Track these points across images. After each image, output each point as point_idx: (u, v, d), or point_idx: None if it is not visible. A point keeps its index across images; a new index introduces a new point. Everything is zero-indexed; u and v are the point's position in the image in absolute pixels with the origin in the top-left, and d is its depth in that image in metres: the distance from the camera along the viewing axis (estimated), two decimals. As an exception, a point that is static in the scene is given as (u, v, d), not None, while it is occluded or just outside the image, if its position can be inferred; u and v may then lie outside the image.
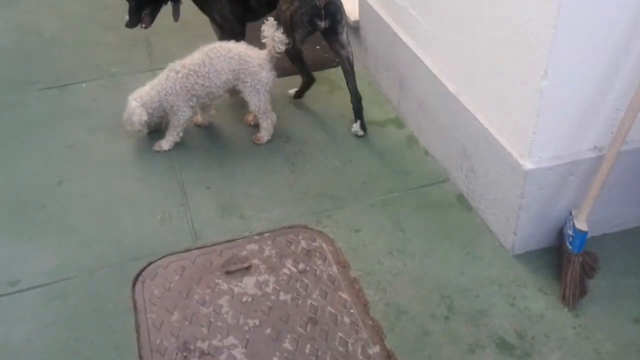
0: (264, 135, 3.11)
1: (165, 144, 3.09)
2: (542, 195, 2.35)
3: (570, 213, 2.35)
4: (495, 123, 2.45)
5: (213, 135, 3.20)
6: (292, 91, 3.46)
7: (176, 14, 3.33)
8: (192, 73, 2.95)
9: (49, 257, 2.54)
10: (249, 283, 2.41)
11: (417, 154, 3.05)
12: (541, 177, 2.30)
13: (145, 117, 2.99)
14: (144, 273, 2.46)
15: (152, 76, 3.19)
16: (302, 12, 2.92)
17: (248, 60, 2.96)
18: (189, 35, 3.98)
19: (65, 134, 3.21)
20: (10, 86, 3.60)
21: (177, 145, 3.11)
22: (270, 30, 2.91)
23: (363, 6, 3.46)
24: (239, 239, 2.60)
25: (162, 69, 3.07)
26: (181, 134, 3.10)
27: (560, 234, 2.42)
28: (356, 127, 3.17)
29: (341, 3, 2.99)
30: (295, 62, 3.28)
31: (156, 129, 3.18)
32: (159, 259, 2.51)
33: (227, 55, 2.96)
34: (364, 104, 3.21)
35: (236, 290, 2.38)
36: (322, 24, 2.94)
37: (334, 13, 2.95)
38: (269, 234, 2.62)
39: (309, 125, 3.25)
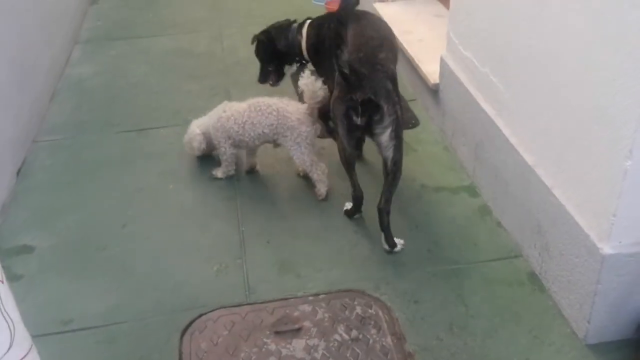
0: (321, 187, 3.06)
1: (219, 172, 3.22)
2: (620, 283, 2.15)
3: (653, 305, 2.14)
4: (573, 201, 2.29)
5: (279, 187, 3.17)
6: (346, 208, 2.99)
7: (294, 75, 3.32)
8: (232, 118, 3.06)
9: (105, 299, 2.54)
10: (297, 346, 2.31)
11: (489, 225, 2.90)
12: (621, 263, 2.12)
13: (204, 145, 3.22)
14: (193, 325, 2.41)
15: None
16: (339, 103, 2.66)
17: (287, 116, 2.96)
18: (266, 88, 4.01)
19: (136, 177, 3.27)
20: (91, 127, 3.72)
21: (243, 195, 3.11)
22: (307, 81, 2.89)
23: (444, 69, 3.39)
24: (292, 298, 2.52)
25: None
26: (231, 167, 3.20)
27: (639, 327, 2.21)
28: (383, 239, 2.76)
29: (386, 103, 2.59)
30: (346, 168, 2.87)
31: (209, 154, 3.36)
32: (210, 311, 2.46)
33: (266, 111, 2.99)
34: (439, 168, 3.14)
35: (284, 352, 2.29)
36: (358, 120, 2.62)
37: (372, 112, 2.60)
38: (324, 295, 2.53)
39: (377, 187, 3.15)
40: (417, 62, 3.72)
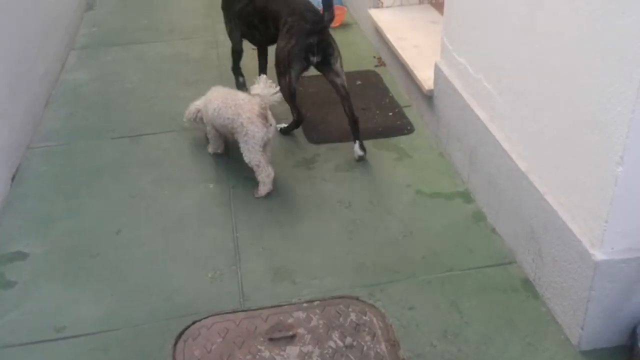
0: (261, 189, 3.15)
1: (210, 148, 3.49)
2: (613, 289, 2.16)
3: (646, 312, 2.15)
4: (566, 207, 2.29)
5: (274, 194, 3.17)
6: (281, 126, 3.61)
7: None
8: (210, 102, 3.27)
9: (98, 306, 2.53)
10: (292, 353, 2.31)
11: (483, 232, 2.90)
12: (613, 269, 2.12)
13: (199, 118, 3.43)
14: (187, 332, 2.41)
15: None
16: (298, 49, 3.26)
17: (240, 113, 3.07)
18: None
19: (130, 183, 3.26)
20: (86, 133, 3.71)
21: (237, 201, 3.12)
22: (261, 86, 3.10)
23: (438, 75, 3.40)
24: (286, 305, 2.52)
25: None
26: (217, 145, 3.44)
27: (633, 333, 2.21)
28: (356, 147, 3.40)
29: (332, 39, 3.37)
30: (288, 100, 3.43)
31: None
32: (204, 318, 2.46)
33: (229, 104, 3.14)
34: (434, 174, 3.17)
35: (278, 359, 2.28)
36: (315, 59, 3.31)
37: (326, 48, 3.32)
38: (318, 302, 2.53)
39: (372, 193, 3.17)
40: (411, 68, 3.73)
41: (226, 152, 3.49)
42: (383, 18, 4.38)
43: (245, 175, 3.31)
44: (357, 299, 2.54)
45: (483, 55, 2.89)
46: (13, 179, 3.30)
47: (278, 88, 3.13)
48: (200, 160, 3.46)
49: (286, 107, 3.51)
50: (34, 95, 3.84)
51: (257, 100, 3.07)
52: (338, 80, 3.39)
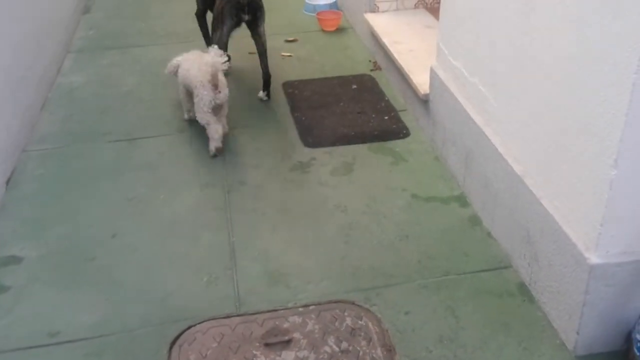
0: (211, 144, 3.49)
1: (185, 114, 3.82)
2: (609, 293, 2.15)
3: (641, 316, 2.15)
4: (561, 210, 2.29)
5: (270, 197, 3.17)
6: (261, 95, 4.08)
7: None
8: (183, 62, 3.64)
9: (93, 311, 2.52)
10: (287, 358, 2.30)
11: (479, 236, 2.90)
12: (608, 273, 2.12)
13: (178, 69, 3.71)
14: (182, 336, 2.40)
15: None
16: (230, 7, 3.77)
17: (196, 75, 3.44)
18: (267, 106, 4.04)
19: (127, 187, 3.25)
20: (82, 136, 3.71)
21: (234, 205, 3.11)
22: (211, 55, 3.41)
23: (434, 79, 3.40)
24: (282, 309, 2.51)
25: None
26: (186, 108, 3.78)
27: (629, 338, 2.21)
28: (262, 94, 4.04)
29: (262, 3, 3.89)
30: (220, 47, 3.70)
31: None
32: (199, 323, 2.45)
33: (191, 66, 3.51)
34: (430, 178, 3.21)
35: (273, 364, 2.28)
36: (246, 17, 3.82)
37: (255, 9, 3.85)
38: (314, 307, 2.52)
39: (368, 196, 3.17)
40: (407, 72, 3.73)
41: (222, 157, 3.49)
42: (379, 22, 4.39)
43: (241, 179, 3.31)
44: (353, 303, 2.54)
45: (478, 59, 2.90)
46: (8, 182, 3.29)
47: (226, 58, 3.46)
48: (197, 164, 3.46)
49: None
50: (30, 98, 3.83)
51: (210, 68, 3.37)
52: (260, 40, 3.98)
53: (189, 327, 2.43)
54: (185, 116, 3.81)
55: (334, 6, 5.34)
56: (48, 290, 2.63)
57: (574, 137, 2.17)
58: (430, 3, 4.55)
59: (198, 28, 4.50)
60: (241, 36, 4.37)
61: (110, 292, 2.61)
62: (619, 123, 1.91)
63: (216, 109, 3.50)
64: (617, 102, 1.91)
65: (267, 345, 2.35)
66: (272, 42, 4.83)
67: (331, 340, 2.36)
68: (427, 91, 3.50)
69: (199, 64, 3.47)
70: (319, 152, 3.54)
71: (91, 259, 2.79)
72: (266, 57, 4.02)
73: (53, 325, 2.46)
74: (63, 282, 2.67)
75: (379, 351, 2.32)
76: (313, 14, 5.25)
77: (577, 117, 2.13)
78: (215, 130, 3.46)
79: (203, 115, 3.46)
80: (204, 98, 3.42)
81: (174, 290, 2.62)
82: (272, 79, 4.08)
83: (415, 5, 4.56)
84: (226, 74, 3.54)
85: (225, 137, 3.61)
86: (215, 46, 3.53)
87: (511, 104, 2.62)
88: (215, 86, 3.41)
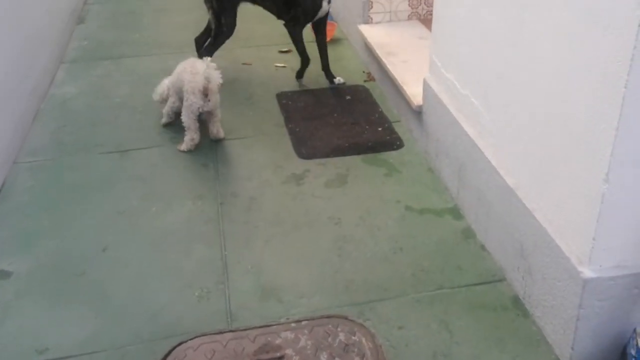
0: (183, 145, 3.64)
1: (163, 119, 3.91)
2: (602, 307, 2.14)
3: (634, 331, 2.13)
4: (554, 224, 2.28)
5: (263, 210, 3.14)
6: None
7: None
8: (177, 67, 3.73)
9: (82, 327, 2.49)
10: (279, 374, 2.27)
11: (473, 249, 2.88)
12: (602, 287, 2.10)
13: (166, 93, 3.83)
14: (173, 353, 2.37)
15: (214, 146, 3.21)
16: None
17: (189, 81, 3.53)
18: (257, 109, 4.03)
19: (118, 199, 3.23)
20: (73, 148, 3.68)
21: (226, 218, 3.08)
22: (204, 66, 3.49)
23: (427, 91, 3.39)
24: (274, 324, 2.48)
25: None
26: (169, 117, 3.87)
27: (623, 353, 2.19)
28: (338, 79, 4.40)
29: None
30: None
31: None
32: (190, 339, 2.41)
33: (185, 71, 3.60)
34: (424, 189, 3.22)
35: (265, 381, 2.25)
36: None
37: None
38: (306, 322, 2.49)
39: (362, 209, 3.15)
40: (400, 83, 3.72)
41: (214, 169, 3.47)
42: (372, 34, 4.38)
43: (234, 191, 3.29)
44: (346, 318, 2.51)
45: (470, 72, 2.89)
46: (-2, 195, 3.27)
47: (219, 71, 3.54)
48: (189, 176, 3.44)
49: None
50: (22, 109, 3.81)
51: (202, 77, 3.49)
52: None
53: (180, 344, 2.40)
54: (163, 120, 3.89)
55: (328, 17, 5.32)
56: (37, 306, 2.59)
57: (565, 151, 2.15)
58: (424, 15, 4.55)
59: (191, 39, 4.49)
60: (234, 47, 4.38)
61: (100, 308, 2.58)
62: (609, 137, 1.90)
63: (207, 115, 3.66)
64: (608, 116, 1.90)
65: (258, 361, 2.32)
66: (266, 53, 4.86)
67: (324, 357, 2.34)
68: (421, 103, 3.49)
69: (190, 68, 3.58)
70: (313, 164, 3.52)
71: (81, 273, 2.76)
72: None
73: (41, 342, 2.42)
74: (52, 298, 2.64)
75: (372, 367, 2.30)
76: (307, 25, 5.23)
77: (569, 130, 2.12)
78: (192, 139, 3.63)
79: (187, 119, 3.61)
80: (192, 105, 3.55)
81: (165, 306, 2.59)
82: (266, 89, 4.09)
83: (408, 16, 4.56)
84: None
85: (221, 143, 3.73)
86: (208, 58, 3.57)
87: (502, 116, 2.61)
88: (205, 95, 3.53)
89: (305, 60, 4.33)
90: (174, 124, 3.85)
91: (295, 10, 4.15)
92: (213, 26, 4.23)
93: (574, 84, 2.07)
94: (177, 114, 3.78)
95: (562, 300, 2.25)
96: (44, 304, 2.61)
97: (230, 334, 2.44)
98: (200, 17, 5.36)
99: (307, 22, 4.24)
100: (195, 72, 3.54)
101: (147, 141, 3.75)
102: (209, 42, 4.25)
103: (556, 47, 2.15)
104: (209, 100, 3.57)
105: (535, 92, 2.32)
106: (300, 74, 4.40)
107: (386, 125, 3.86)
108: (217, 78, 3.53)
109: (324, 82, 4.39)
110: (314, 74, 4.46)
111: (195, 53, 4.42)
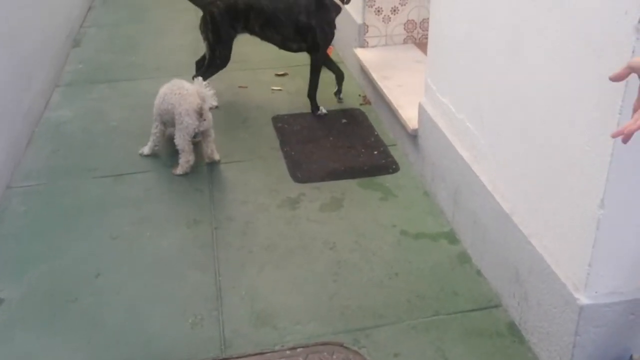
0: (179, 169, 3.61)
1: (145, 148, 3.81)
2: (598, 334, 2.12)
3: (631, 357, 2.11)
4: (550, 249, 2.27)
5: (258, 235, 3.13)
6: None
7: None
8: (160, 90, 3.67)
9: (74, 354, 2.46)
10: (273, 403, 2.24)
11: (469, 274, 2.86)
12: (597, 314, 2.09)
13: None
14: (165, 381, 2.34)
15: (209, 170, 3.35)
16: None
17: (181, 103, 3.49)
18: (252, 131, 4.02)
19: (111, 224, 3.21)
20: (67, 172, 3.66)
21: (221, 243, 3.06)
22: (197, 86, 3.48)
23: (422, 115, 3.40)
24: (269, 352, 2.46)
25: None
26: (154, 143, 3.79)
27: (621, 381, 2.17)
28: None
29: None
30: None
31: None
32: (183, 367, 2.39)
33: (175, 91, 3.55)
34: (419, 213, 3.21)
35: (259, 410, 2.22)
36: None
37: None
38: (301, 349, 2.47)
39: (357, 233, 3.13)
40: (396, 107, 3.73)
41: (209, 193, 3.46)
42: (368, 57, 4.40)
43: (228, 215, 3.27)
44: (342, 345, 2.49)
45: (465, 96, 2.89)
46: (-9, 220, 3.24)
47: (213, 91, 3.54)
48: (184, 201, 3.43)
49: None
50: (16, 133, 3.80)
51: (196, 97, 3.46)
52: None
53: (173, 371, 2.38)
54: (145, 151, 3.81)
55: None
56: (28, 334, 2.56)
57: (560, 176, 2.15)
58: (419, 38, 4.58)
59: (188, 62, 4.51)
60: (230, 70, 4.39)
61: (92, 335, 2.55)
62: (605, 162, 1.90)
63: (203, 135, 3.66)
64: (603, 141, 1.90)
65: (252, 389, 2.29)
66: (262, 76, 4.87)
67: (318, 384, 2.31)
68: (416, 126, 3.50)
69: (178, 89, 3.56)
70: (308, 188, 3.51)
71: (74, 299, 2.73)
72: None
73: (32, 370, 2.40)
74: (44, 325, 2.61)
75: (367, 395, 2.27)
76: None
77: (564, 155, 2.12)
78: (187, 160, 3.60)
79: (182, 141, 3.57)
80: (188, 126, 3.52)
81: (158, 333, 2.56)
82: (262, 112, 4.10)
83: (404, 40, 4.58)
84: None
85: (216, 166, 3.73)
86: (200, 78, 3.58)
87: (498, 141, 2.61)
88: (200, 115, 3.52)
89: (339, 77, 4.40)
90: (166, 149, 3.84)
91: (313, 36, 4.11)
92: (207, 56, 4.24)
93: (569, 108, 2.07)
94: (169, 138, 3.75)
95: (558, 327, 2.23)
96: (35, 331, 2.58)
97: (224, 361, 2.42)
98: (197, 40, 5.36)
99: (327, 46, 4.25)
100: (186, 92, 3.52)
101: (141, 165, 3.73)
102: (202, 69, 4.26)
103: (552, 72, 2.16)
104: (204, 120, 3.55)
105: (530, 116, 2.33)
106: (339, 91, 4.44)
107: (382, 148, 3.86)
108: (210, 96, 3.50)
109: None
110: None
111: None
